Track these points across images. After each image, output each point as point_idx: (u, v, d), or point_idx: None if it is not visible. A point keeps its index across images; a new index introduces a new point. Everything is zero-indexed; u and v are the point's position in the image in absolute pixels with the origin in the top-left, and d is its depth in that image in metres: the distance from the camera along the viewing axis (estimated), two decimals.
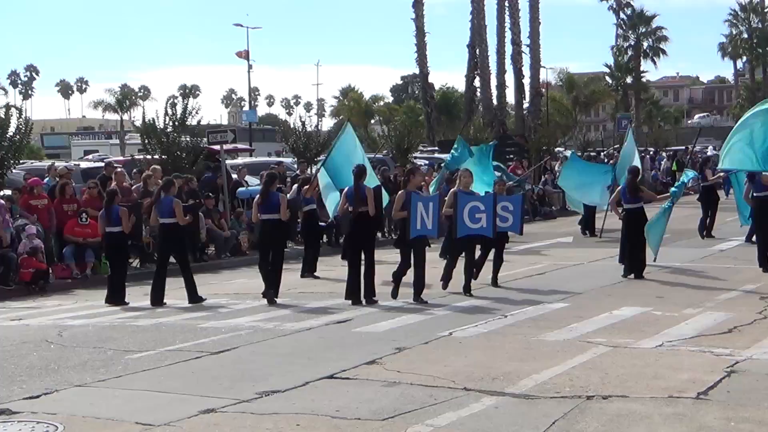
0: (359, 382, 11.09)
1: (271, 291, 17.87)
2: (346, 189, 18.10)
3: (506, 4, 65.46)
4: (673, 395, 10.06)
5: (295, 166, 34.61)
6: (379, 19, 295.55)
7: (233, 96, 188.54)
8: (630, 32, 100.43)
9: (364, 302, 17.27)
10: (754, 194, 21.14)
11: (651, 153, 57.06)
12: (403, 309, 16.51)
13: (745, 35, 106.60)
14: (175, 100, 31.87)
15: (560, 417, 9.36)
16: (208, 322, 15.75)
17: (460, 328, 14.37)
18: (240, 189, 29.55)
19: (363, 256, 17.59)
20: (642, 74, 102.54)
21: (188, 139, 29.86)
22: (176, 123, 29.79)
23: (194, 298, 18.44)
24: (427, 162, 39.39)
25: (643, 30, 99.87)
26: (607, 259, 22.56)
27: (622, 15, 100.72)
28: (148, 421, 9.57)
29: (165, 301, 18.42)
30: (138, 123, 35.64)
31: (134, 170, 27.41)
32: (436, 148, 57.61)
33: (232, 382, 11.28)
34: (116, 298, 18.72)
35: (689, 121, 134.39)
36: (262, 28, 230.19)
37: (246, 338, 14.15)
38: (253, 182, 29.75)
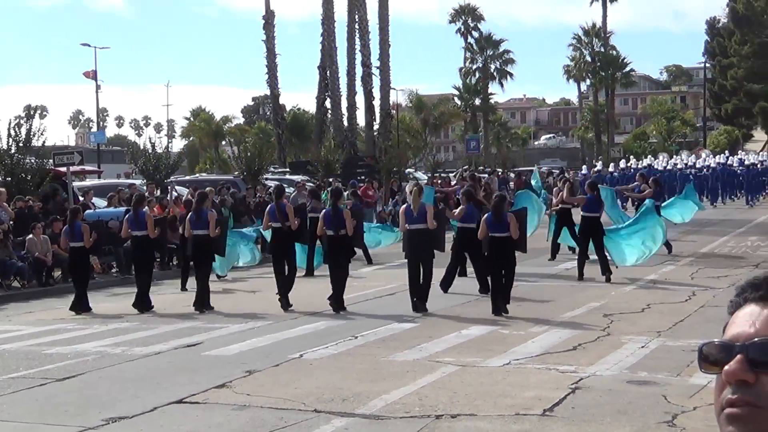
0: (209, 407, 11.00)
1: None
2: (268, 207, 20.47)
3: (356, 26, 66.07)
4: (520, 413, 10.25)
5: (144, 187, 34.18)
6: (230, 39, 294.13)
7: (81, 117, 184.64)
8: (478, 55, 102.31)
9: (286, 308, 18.68)
10: (583, 214, 22.54)
11: (499, 174, 57.54)
12: (254, 331, 16.44)
13: (589, 59, 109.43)
14: (20, 121, 31.15)
15: None
16: (54, 347, 15.39)
17: (310, 350, 14.37)
18: (87, 211, 28.95)
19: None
20: (490, 96, 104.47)
21: (33, 160, 29.28)
22: (20, 144, 29.19)
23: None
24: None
25: (491, 53, 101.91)
26: (456, 279, 22.83)
27: (470, 38, 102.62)
28: None
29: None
30: None
31: None
32: (287, 169, 57.70)
33: (78, 409, 11.05)
34: (81, 306, 19.46)
35: (536, 143, 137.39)
36: (111, 48, 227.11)
37: (93, 364, 13.88)
38: (101, 204, 29.23)
